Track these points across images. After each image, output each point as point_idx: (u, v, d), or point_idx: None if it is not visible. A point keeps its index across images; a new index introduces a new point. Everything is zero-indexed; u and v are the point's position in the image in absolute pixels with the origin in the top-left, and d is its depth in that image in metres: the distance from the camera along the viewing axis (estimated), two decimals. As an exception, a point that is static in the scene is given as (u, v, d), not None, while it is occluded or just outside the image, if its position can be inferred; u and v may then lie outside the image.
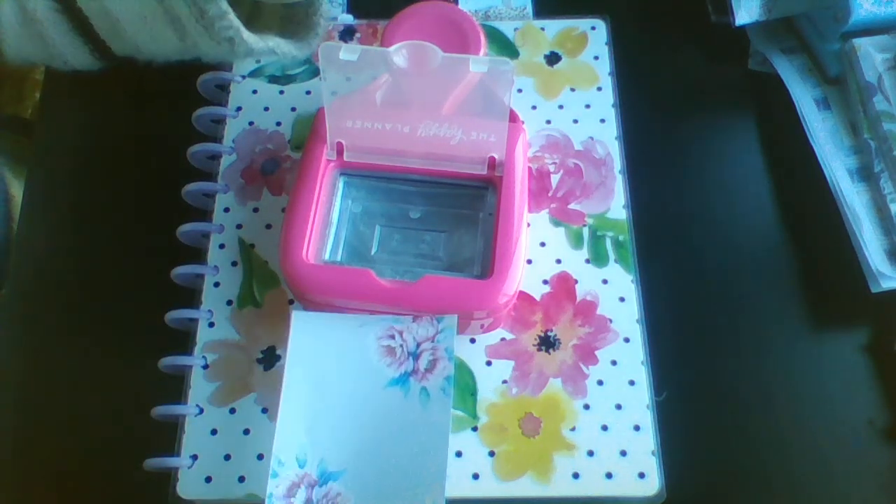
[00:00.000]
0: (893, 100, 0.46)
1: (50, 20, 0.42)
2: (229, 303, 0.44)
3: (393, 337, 0.40)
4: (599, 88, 0.50)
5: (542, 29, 0.53)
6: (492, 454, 0.41)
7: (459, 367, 0.43)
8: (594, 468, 0.40)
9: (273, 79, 0.51)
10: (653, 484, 0.40)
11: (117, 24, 0.42)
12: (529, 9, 0.54)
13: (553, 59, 0.52)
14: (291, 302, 0.44)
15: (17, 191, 0.62)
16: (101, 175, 0.50)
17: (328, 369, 0.39)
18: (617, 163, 0.48)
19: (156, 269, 0.43)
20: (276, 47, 0.44)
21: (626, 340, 0.43)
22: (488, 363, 0.43)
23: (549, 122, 0.49)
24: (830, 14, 0.49)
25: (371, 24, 0.53)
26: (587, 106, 0.50)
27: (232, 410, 0.41)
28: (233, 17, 0.41)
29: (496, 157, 0.42)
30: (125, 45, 0.45)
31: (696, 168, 0.50)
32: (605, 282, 0.45)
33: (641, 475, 0.40)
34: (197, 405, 0.42)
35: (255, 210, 0.47)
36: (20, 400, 0.44)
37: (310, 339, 0.40)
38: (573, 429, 0.41)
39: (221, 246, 0.46)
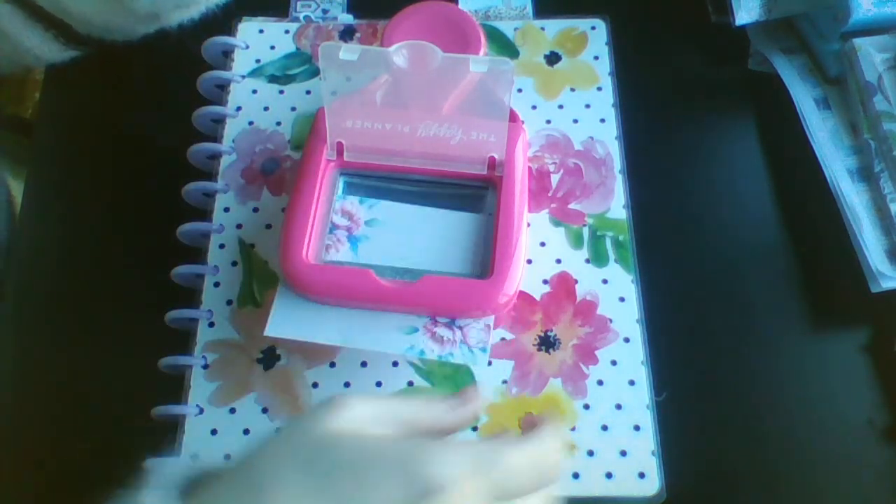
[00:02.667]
0: (893, 100, 0.46)
1: (3, 13, 0.42)
2: (229, 303, 0.44)
3: None
4: (599, 88, 0.50)
5: (542, 29, 0.53)
6: (492, 454, 0.41)
7: (459, 367, 0.43)
8: (594, 468, 0.40)
9: (273, 79, 0.51)
10: (653, 484, 0.40)
11: None
12: (529, 9, 0.54)
13: (553, 58, 0.52)
14: (291, 302, 0.44)
15: (17, 192, 0.62)
16: (101, 175, 0.50)
17: None
18: (617, 163, 0.48)
19: (156, 269, 0.43)
20: None
21: (626, 340, 0.43)
22: (488, 363, 0.43)
23: (549, 121, 0.49)
24: (830, 14, 0.49)
25: (371, 24, 0.53)
26: (587, 106, 0.50)
27: (232, 410, 0.41)
28: None
29: (496, 156, 0.42)
30: (76, 19, 0.45)
31: (696, 168, 0.50)
32: (605, 282, 0.45)
33: (641, 475, 0.40)
34: (197, 405, 0.42)
35: (255, 210, 0.47)
36: (19, 400, 0.44)
37: None
38: (573, 429, 0.41)
39: (221, 246, 0.46)
